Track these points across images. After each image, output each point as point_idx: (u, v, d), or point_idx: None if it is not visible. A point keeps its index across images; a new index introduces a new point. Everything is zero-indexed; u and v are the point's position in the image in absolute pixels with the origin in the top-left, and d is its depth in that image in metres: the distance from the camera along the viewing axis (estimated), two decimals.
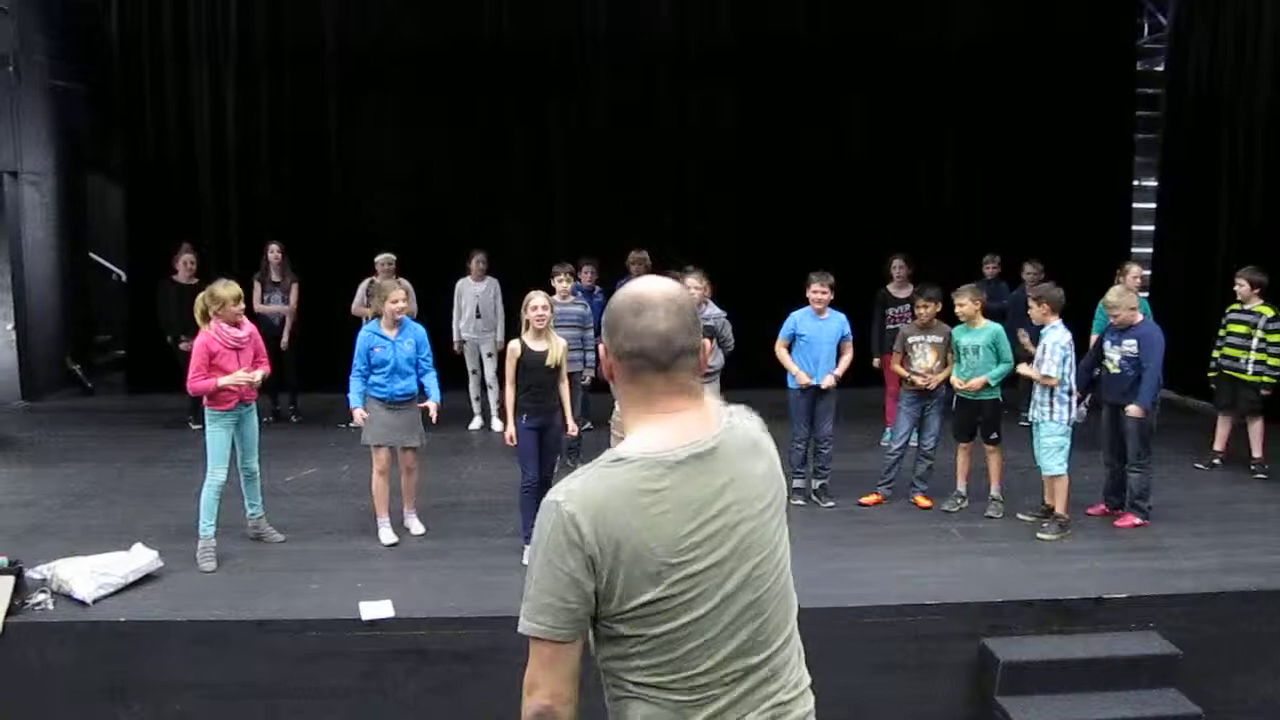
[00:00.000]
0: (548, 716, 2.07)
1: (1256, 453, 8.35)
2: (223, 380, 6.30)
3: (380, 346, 6.71)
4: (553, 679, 2.05)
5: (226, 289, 6.44)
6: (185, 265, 9.94)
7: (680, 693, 2.08)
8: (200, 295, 6.53)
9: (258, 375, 6.49)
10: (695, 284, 7.49)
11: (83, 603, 5.66)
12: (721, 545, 2.07)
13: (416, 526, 7.04)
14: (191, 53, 11.64)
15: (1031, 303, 7.24)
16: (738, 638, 2.10)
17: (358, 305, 9.82)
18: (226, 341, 6.38)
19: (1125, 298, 7.13)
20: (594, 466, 2.08)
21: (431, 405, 6.92)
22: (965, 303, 7.27)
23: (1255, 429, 8.37)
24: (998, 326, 7.41)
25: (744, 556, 2.11)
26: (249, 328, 6.61)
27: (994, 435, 7.35)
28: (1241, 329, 8.32)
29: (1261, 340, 8.19)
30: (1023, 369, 7.24)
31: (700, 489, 2.06)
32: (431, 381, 6.93)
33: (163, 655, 5.51)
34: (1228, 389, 8.48)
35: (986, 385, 7.24)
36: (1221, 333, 8.53)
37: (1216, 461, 8.59)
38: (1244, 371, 8.28)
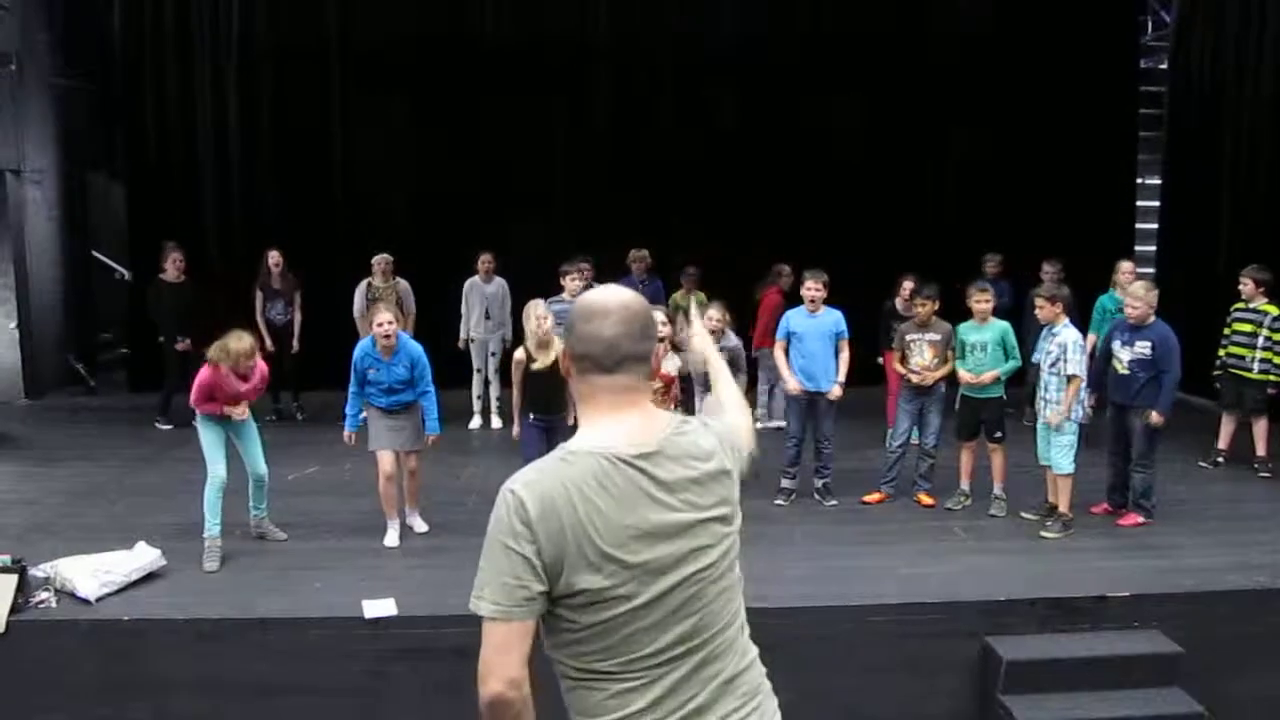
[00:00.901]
0: (500, 705, 2.09)
1: (1260, 451, 8.33)
2: (226, 409, 6.41)
3: (373, 368, 6.70)
4: (506, 663, 2.09)
5: (239, 343, 6.35)
6: (174, 264, 9.95)
7: (620, 680, 2.15)
8: (214, 345, 6.44)
9: (246, 410, 6.56)
10: (715, 315, 7.50)
11: (86, 601, 5.67)
12: (662, 540, 2.15)
13: (420, 525, 7.05)
14: (194, 51, 11.65)
15: (1042, 302, 7.09)
16: (676, 629, 2.16)
17: (359, 310, 9.80)
18: (228, 386, 6.41)
19: (1150, 294, 7.06)
20: (548, 459, 2.21)
21: (431, 438, 6.90)
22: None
23: (1260, 428, 8.35)
24: (1005, 324, 7.39)
25: (685, 552, 2.17)
26: (256, 376, 6.56)
27: (998, 434, 7.34)
28: (1247, 328, 8.30)
29: (1267, 339, 8.18)
30: (1053, 416, 6.95)
31: (643, 486, 2.15)
32: (431, 405, 6.84)
33: (165, 653, 5.52)
34: (1232, 388, 8.47)
35: (996, 380, 7.24)
36: (1226, 331, 8.51)
37: (1220, 460, 8.58)
38: (1249, 370, 8.26)
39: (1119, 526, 7.05)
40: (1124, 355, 7.03)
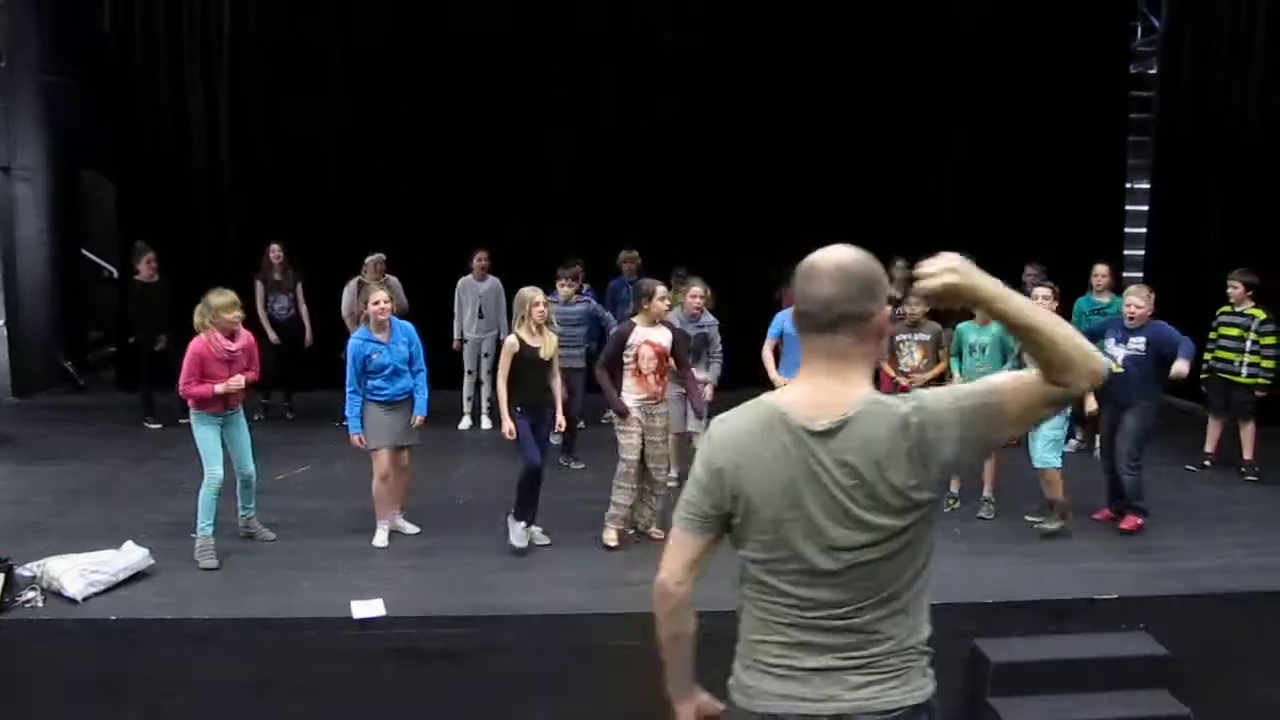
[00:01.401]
0: (660, 590, 2.46)
1: (1248, 455, 8.37)
2: (218, 388, 6.29)
3: (376, 352, 6.66)
4: (670, 559, 2.44)
5: (221, 297, 6.40)
6: (148, 264, 9.92)
7: (764, 621, 2.41)
8: (196, 310, 6.48)
9: (242, 381, 6.44)
10: (699, 291, 7.59)
11: (73, 600, 5.65)
12: (798, 505, 2.28)
13: (408, 527, 7.03)
14: (185, 48, 11.62)
15: (1045, 292, 7.05)
16: (818, 591, 2.31)
17: (347, 308, 9.79)
18: (218, 352, 6.36)
19: (1151, 297, 7.05)
20: (748, 404, 2.39)
21: (419, 418, 6.88)
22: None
23: (1247, 431, 8.39)
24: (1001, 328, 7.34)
25: (824, 524, 2.28)
26: (244, 339, 6.55)
27: None
28: (1234, 331, 8.34)
29: (1255, 343, 8.21)
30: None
31: (800, 452, 2.27)
32: (424, 385, 6.87)
33: (153, 653, 5.50)
34: (1220, 391, 8.50)
35: None
36: (1213, 335, 8.54)
37: (1208, 463, 8.61)
38: (1238, 374, 8.30)
39: (1122, 531, 7.01)
40: (1118, 353, 7.00)
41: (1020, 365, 7.19)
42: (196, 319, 6.44)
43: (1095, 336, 7.16)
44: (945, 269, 2.25)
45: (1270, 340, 8.18)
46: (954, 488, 7.49)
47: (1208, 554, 6.66)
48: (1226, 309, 8.46)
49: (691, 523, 2.40)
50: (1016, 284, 9.50)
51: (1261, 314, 8.21)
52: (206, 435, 6.40)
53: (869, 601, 2.30)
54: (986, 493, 7.40)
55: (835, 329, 2.26)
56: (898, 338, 7.59)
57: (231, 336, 6.45)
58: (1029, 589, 6.03)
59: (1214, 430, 8.66)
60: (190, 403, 6.42)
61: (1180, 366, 6.80)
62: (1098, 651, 5.67)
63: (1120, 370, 6.98)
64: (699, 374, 7.50)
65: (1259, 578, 6.23)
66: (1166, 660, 5.59)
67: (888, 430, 2.24)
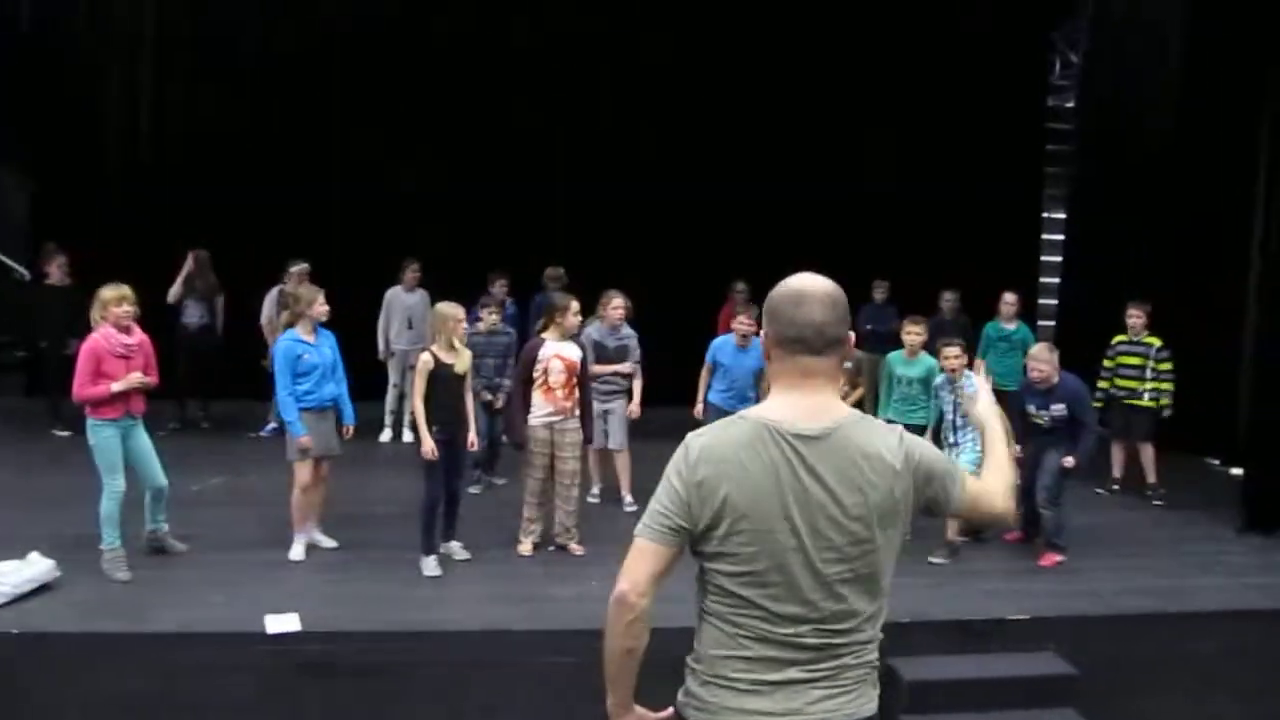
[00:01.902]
0: (620, 600, 2.40)
1: (1151, 478, 8.61)
2: (115, 386, 6.09)
3: (306, 353, 6.58)
4: (634, 570, 2.40)
5: (112, 290, 6.22)
6: (59, 267, 9.68)
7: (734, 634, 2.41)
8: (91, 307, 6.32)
9: (149, 380, 6.28)
10: (620, 303, 7.60)
11: None
12: (788, 516, 2.32)
13: (325, 541, 6.93)
14: (103, 49, 11.41)
15: (955, 350, 7.09)
16: (788, 606, 2.35)
17: (267, 318, 9.64)
18: (114, 348, 6.16)
19: (1053, 355, 7.14)
20: (725, 420, 2.46)
21: (349, 428, 6.87)
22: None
23: (1147, 455, 8.62)
24: (933, 361, 7.37)
25: (810, 534, 2.34)
26: (139, 336, 6.35)
27: None
28: (1135, 360, 8.60)
29: (1154, 370, 8.49)
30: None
31: (791, 461, 2.33)
32: (345, 394, 6.85)
33: (56, 668, 5.34)
34: (1121, 417, 8.75)
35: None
36: (1109, 364, 8.77)
37: (1115, 487, 8.85)
38: (1140, 399, 8.55)
39: (1040, 567, 7.02)
40: (1042, 417, 7.12)
41: (938, 402, 7.33)
42: (92, 315, 6.28)
43: (1020, 402, 7.27)
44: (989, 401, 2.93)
45: (1166, 366, 8.51)
46: None
47: (1114, 576, 6.85)
48: (1123, 338, 8.71)
49: (661, 534, 2.40)
50: (933, 309, 9.80)
51: (1158, 342, 8.54)
52: (106, 444, 6.15)
53: (840, 614, 2.37)
54: None
55: (825, 351, 2.40)
56: None
57: (126, 331, 6.27)
58: (942, 608, 6.14)
59: (1118, 455, 8.91)
60: (88, 410, 6.17)
61: (1069, 462, 6.96)
62: (1007, 671, 5.78)
63: (1048, 426, 7.11)
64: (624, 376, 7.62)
65: (1164, 599, 6.43)
66: (1074, 679, 5.72)
67: (879, 441, 2.39)
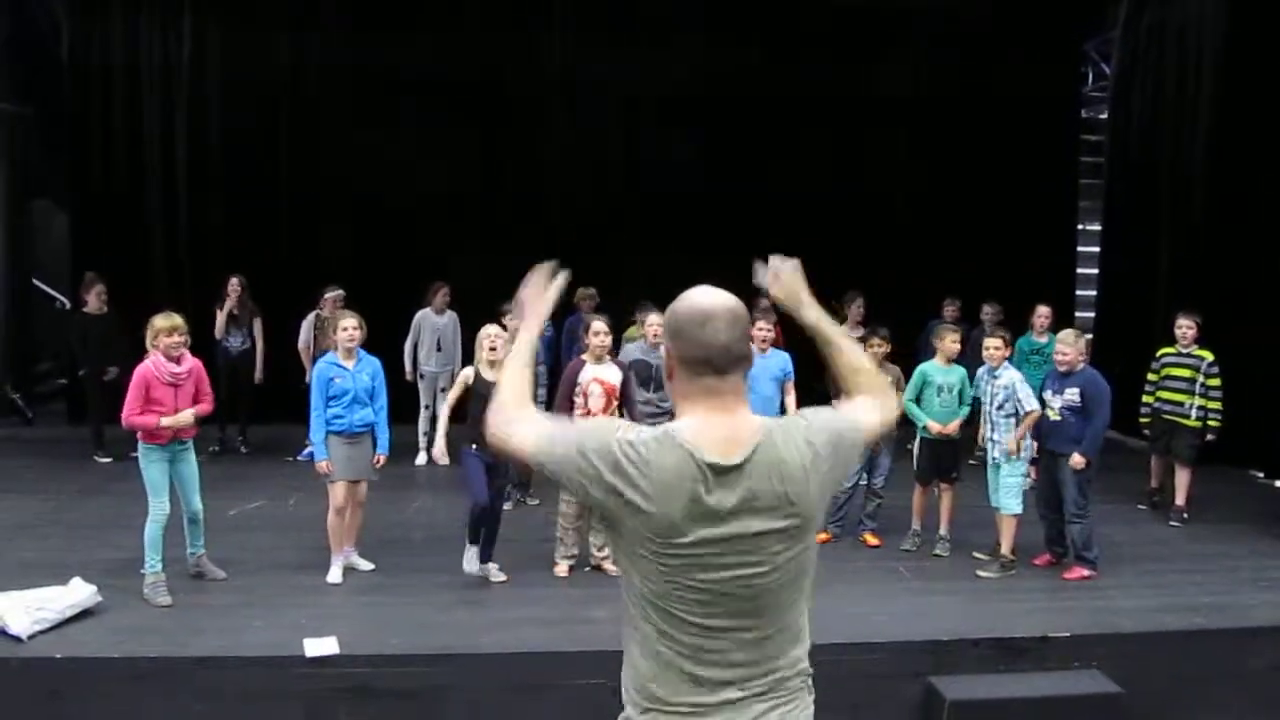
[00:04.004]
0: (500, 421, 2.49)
1: (1180, 500, 8.24)
2: (165, 421, 6.18)
3: (339, 376, 6.62)
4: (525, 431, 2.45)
5: (164, 320, 6.30)
6: (97, 295, 9.81)
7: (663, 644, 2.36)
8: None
9: (195, 411, 6.33)
10: (654, 319, 7.51)
11: (17, 639, 5.51)
12: (711, 540, 2.27)
13: (363, 564, 6.95)
14: (142, 81, 11.57)
15: (1001, 344, 7.14)
16: (715, 619, 2.31)
17: (304, 342, 9.74)
18: (163, 376, 6.25)
19: (1079, 341, 7.08)
20: (657, 429, 2.36)
21: (381, 457, 6.85)
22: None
23: (1184, 477, 8.27)
24: (963, 368, 7.43)
25: (731, 556, 2.29)
26: (190, 363, 6.43)
27: (954, 474, 7.43)
28: (1185, 373, 8.23)
29: (1204, 385, 8.15)
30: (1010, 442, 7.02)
31: (709, 487, 2.27)
32: (384, 422, 6.84)
33: (99, 693, 5.37)
34: (1165, 432, 8.42)
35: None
36: (1154, 377, 8.48)
37: (1156, 499, 8.69)
38: (1187, 416, 8.20)
39: (1064, 580, 6.95)
40: (1055, 403, 7.02)
41: (976, 391, 7.29)
42: (146, 340, 6.37)
43: (1041, 390, 7.24)
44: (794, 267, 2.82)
45: (1216, 382, 8.14)
46: (916, 525, 7.54)
47: (1158, 592, 6.74)
48: (1170, 350, 8.38)
49: (542, 434, 2.45)
50: (975, 322, 9.70)
51: (1209, 355, 8.18)
52: (153, 469, 6.26)
53: (771, 625, 2.35)
54: (942, 530, 7.45)
55: (731, 370, 2.37)
56: None
57: (177, 360, 6.36)
58: (984, 627, 6.06)
59: (1157, 467, 8.71)
60: (140, 435, 6.30)
61: (1077, 460, 6.82)
62: (1051, 689, 5.69)
63: (1058, 419, 7.00)
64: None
65: (1209, 615, 6.31)
66: (1119, 698, 5.63)
67: (793, 452, 2.35)
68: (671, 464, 2.27)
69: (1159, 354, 8.53)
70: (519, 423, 2.48)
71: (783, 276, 2.82)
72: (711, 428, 2.33)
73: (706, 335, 2.34)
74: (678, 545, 2.26)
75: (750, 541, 2.29)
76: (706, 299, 2.41)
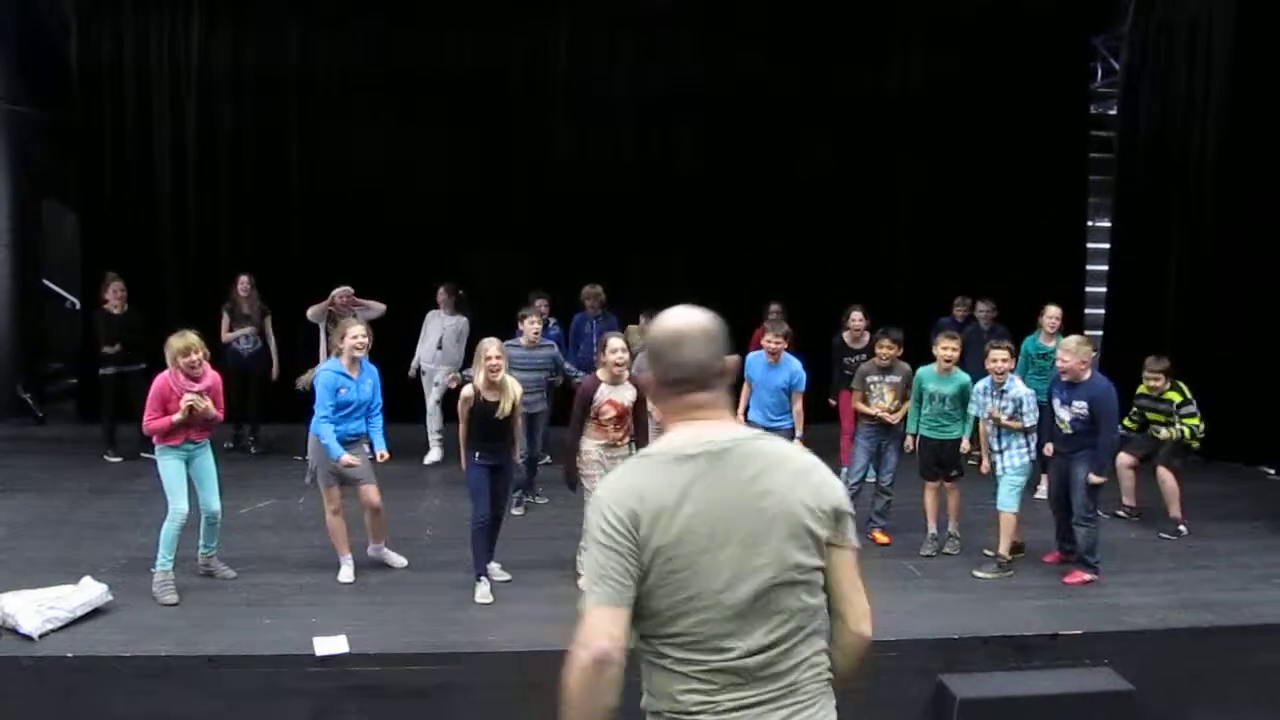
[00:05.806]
0: (601, 656, 2.22)
1: (1174, 511, 8.00)
2: (175, 417, 6.21)
3: (345, 388, 6.61)
4: (607, 627, 2.26)
5: (179, 340, 6.32)
6: (115, 294, 9.82)
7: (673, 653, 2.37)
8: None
9: (207, 403, 6.33)
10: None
11: (29, 637, 5.54)
12: (735, 538, 2.32)
13: (396, 560, 6.99)
14: (151, 81, 11.60)
15: (1004, 354, 7.05)
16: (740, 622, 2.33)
17: (315, 317, 9.64)
18: (180, 390, 6.28)
19: (1082, 349, 6.90)
20: (631, 463, 2.47)
21: (383, 454, 6.85)
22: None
23: (1169, 486, 8.02)
24: (966, 377, 7.32)
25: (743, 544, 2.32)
26: (208, 380, 6.44)
27: (955, 472, 7.40)
28: (1160, 418, 8.13)
29: (1180, 424, 8.04)
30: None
31: (721, 471, 2.34)
32: (378, 423, 6.84)
33: (110, 691, 5.39)
34: (1147, 441, 8.27)
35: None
36: (1133, 420, 8.27)
37: (1137, 518, 8.42)
38: (1172, 433, 8.09)
39: (1064, 583, 6.85)
40: (1064, 415, 6.90)
41: (977, 407, 7.23)
42: (166, 360, 6.40)
43: (1050, 397, 7.15)
44: None
45: (1193, 421, 8.04)
46: (933, 528, 7.50)
47: (1170, 589, 6.72)
48: (1145, 392, 8.17)
49: (616, 592, 2.30)
50: (969, 319, 9.65)
51: (1178, 397, 8.03)
52: (171, 468, 6.31)
53: (792, 627, 2.35)
54: (951, 528, 7.43)
55: (712, 385, 2.45)
56: (870, 379, 7.62)
57: (194, 379, 6.38)
58: (994, 624, 6.05)
59: (1130, 482, 8.43)
60: (155, 438, 6.34)
61: (1093, 479, 6.74)
62: (1062, 686, 5.69)
63: (1070, 432, 6.89)
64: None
65: (1221, 613, 6.29)
66: (1130, 695, 5.62)
67: (792, 456, 2.45)
68: (659, 473, 2.35)
69: (1138, 394, 8.26)
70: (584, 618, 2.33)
71: None
72: (693, 433, 2.40)
73: (684, 355, 2.42)
74: (679, 554, 2.30)
75: (739, 527, 2.32)
76: (680, 320, 2.48)
